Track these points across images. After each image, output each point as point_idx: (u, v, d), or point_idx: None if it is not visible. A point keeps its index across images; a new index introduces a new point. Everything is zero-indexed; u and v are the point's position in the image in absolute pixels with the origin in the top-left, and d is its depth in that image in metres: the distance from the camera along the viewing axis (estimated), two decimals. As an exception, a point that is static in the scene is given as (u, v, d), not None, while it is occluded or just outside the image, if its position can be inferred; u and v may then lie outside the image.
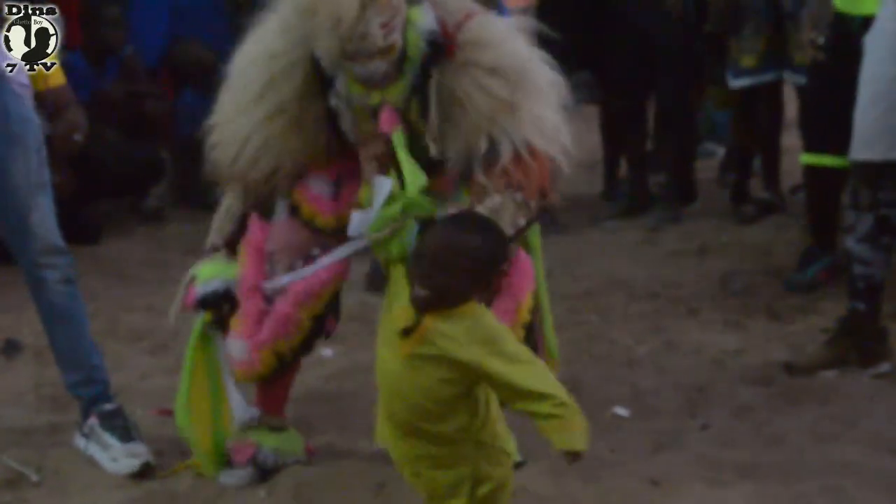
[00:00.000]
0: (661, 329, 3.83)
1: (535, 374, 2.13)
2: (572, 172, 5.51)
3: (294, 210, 2.77)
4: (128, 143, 5.17)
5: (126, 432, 2.96)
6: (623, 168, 5.58)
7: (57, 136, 4.44)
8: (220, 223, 2.88)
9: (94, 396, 3.01)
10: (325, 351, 3.68)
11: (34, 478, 2.87)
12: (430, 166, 2.60)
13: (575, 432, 2.11)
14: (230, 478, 2.80)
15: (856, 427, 3.06)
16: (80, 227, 4.91)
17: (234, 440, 2.83)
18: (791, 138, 5.13)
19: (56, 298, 2.95)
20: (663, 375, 3.46)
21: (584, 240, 4.91)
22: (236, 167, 2.72)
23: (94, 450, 2.95)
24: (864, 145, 3.31)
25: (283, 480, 2.75)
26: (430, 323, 2.15)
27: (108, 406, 3.00)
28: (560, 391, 2.12)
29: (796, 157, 4.69)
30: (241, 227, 2.83)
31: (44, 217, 2.92)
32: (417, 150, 2.61)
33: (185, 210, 5.50)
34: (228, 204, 2.87)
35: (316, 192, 2.76)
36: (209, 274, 2.82)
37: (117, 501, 2.74)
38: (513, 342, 2.17)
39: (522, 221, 2.65)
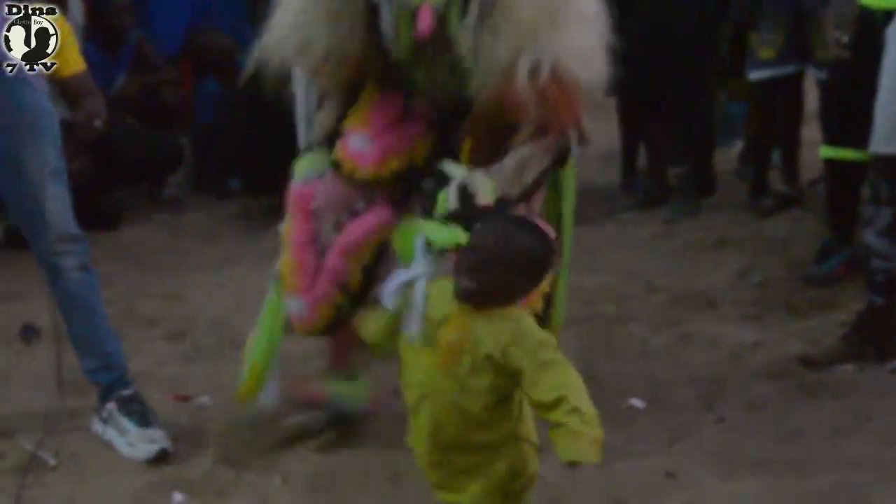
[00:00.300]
0: (677, 322, 3.82)
1: (558, 379, 2.10)
2: (589, 164, 5.55)
3: (336, 166, 2.81)
4: (146, 131, 5.19)
5: (144, 417, 2.97)
6: (641, 159, 5.56)
7: (78, 122, 4.47)
8: (319, 120, 2.91)
9: (111, 382, 3.02)
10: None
11: (51, 461, 2.89)
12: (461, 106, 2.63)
13: (582, 444, 2.08)
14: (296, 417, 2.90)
15: (872, 422, 3.05)
16: (98, 214, 4.94)
17: (309, 384, 2.92)
18: (810, 131, 5.10)
19: (72, 286, 2.96)
20: (679, 368, 3.46)
21: (600, 232, 4.89)
22: (288, 55, 2.75)
23: (111, 434, 2.97)
24: (885, 138, 3.29)
25: (298, 469, 2.76)
26: (475, 327, 2.13)
27: (126, 391, 3.02)
28: (577, 398, 2.09)
29: (815, 150, 4.69)
30: (339, 123, 2.85)
31: (58, 205, 2.93)
32: (451, 81, 2.63)
33: (203, 198, 5.52)
34: (326, 101, 2.90)
35: (355, 147, 2.79)
36: (306, 166, 2.86)
37: (134, 486, 2.75)
38: (553, 350, 2.14)
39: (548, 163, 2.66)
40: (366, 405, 2.94)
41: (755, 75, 4.79)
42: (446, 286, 2.18)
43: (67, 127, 4.51)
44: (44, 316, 3.87)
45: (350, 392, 2.92)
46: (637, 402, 3.18)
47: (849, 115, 3.76)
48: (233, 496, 2.70)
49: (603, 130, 6.61)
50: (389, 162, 2.78)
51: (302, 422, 2.91)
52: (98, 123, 4.49)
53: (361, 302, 2.78)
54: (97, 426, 3.02)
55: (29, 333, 3.72)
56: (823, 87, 4.03)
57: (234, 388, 3.30)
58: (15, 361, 3.55)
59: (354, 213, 2.81)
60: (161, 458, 2.89)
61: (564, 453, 2.08)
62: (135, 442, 2.92)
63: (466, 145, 2.70)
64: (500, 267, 2.13)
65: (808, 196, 5.03)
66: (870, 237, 3.38)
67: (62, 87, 4.57)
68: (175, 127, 5.46)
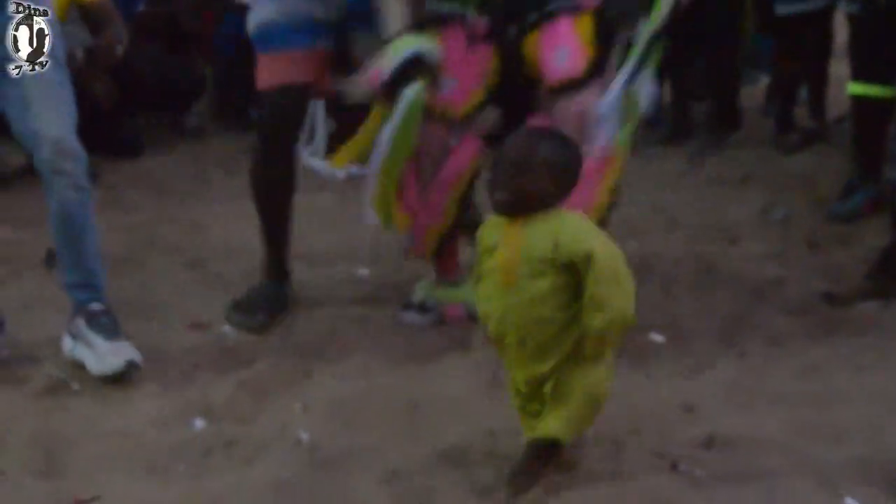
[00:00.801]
0: (700, 257, 3.81)
1: (616, 282, 2.26)
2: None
3: (429, 114, 3.06)
4: (169, 58, 5.16)
5: (112, 331, 2.95)
6: (666, 94, 5.51)
7: (99, 47, 4.46)
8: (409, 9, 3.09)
9: (87, 300, 3.01)
10: (362, 271, 3.69)
11: (75, 386, 2.91)
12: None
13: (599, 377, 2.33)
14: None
15: (893, 359, 3.03)
16: (121, 142, 4.94)
17: (441, 300, 3.34)
18: (837, 67, 5.04)
19: (64, 201, 2.91)
20: (701, 303, 3.45)
21: (625, 166, 4.86)
22: None
23: (81, 352, 2.96)
24: (915, 75, 3.25)
25: (319, 396, 2.77)
26: (523, 236, 2.28)
27: (95, 305, 3.00)
28: (624, 317, 2.27)
29: (841, 86, 4.63)
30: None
31: (56, 116, 2.88)
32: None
33: (224, 128, 5.51)
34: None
35: (445, 91, 3.10)
36: (402, 46, 2.99)
37: (156, 411, 2.77)
38: (596, 237, 2.28)
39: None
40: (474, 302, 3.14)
41: (783, 9, 4.72)
42: (492, 221, 2.36)
43: (89, 52, 4.51)
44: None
45: (461, 295, 3.30)
46: (657, 337, 3.17)
47: (879, 50, 3.71)
48: (253, 423, 2.71)
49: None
50: (472, 97, 3.14)
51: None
52: (119, 49, 4.47)
53: (459, 225, 3.25)
54: (67, 343, 3.00)
55: (53, 260, 3.73)
56: (854, 21, 3.96)
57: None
58: (39, 287, 3.57)
59: (449, 151, 3.15)
60: (129, 372, 2.89)
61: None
62: (103, 355, 2.91)
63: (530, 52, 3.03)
64: (528, 174, 2.27)
65: (834, 132, 4.98)
66: (894, 173, 3.35)
67: (83, 13, 4.55)
68: (197, 56, 5.43)
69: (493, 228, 2.36)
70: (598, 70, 3.00)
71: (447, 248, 3.34)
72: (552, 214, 2.31)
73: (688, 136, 5.15)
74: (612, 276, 2.25)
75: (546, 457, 2.38)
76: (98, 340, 2.94)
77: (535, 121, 2.95)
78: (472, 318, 3.09)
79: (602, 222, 2.92)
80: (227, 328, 3.27)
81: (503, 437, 2.56)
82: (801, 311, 3.34)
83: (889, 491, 2.41)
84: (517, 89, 3.10)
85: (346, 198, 4.49)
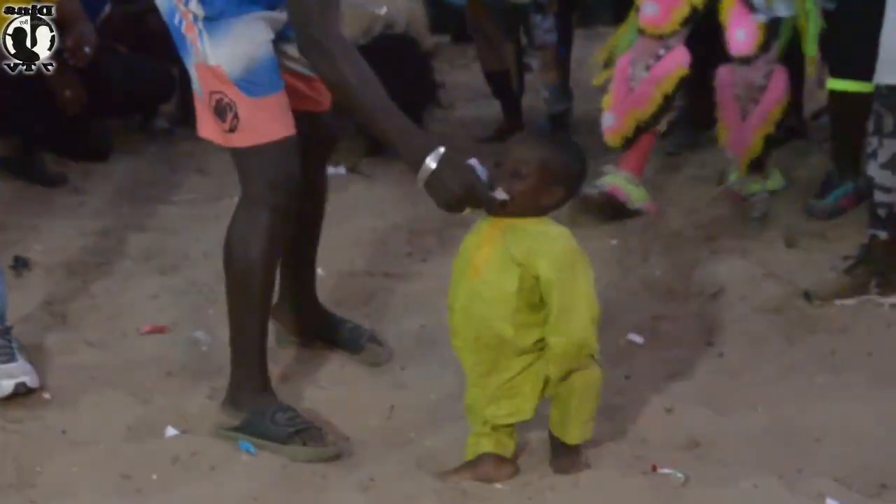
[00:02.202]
0: (677, 255, 3.79)
1: (574, 308, 2.26)
2: (591, 95, 5.50)
3: (642, 31, 3.95)
4: (137, 59, 5.10)
5: (8, 353, 2.87)
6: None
7: (67, 48, 4.40)
8: None
9: None
10: (336, 276, 3.65)
11: (46, 395, 2.86)
12: None
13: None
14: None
15: (872, 357, 3.03)
16: (90, 145, 4.88)
17: (611, 182, 4.03)
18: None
19: None
20: (679, 303, 3.43)
21: (602, 162, 4.84)
22: None
23: None
24: (891, 69, 3.23)
25: (295, 404, 2.73)
26: (505, 235, 2.29)
27: None
28: (580, 343, 2.28)
29: (812, 82, 4.62)
30: None
31: None
32: None
33: (194, 130, 5.44)
34: None
35: (647, 13, 3.93)
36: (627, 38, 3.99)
37: (128, 420, 2.73)
38: (571, 267, 2.28)
39: None
40: (643, 205, 4.06)
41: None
42: (480, 225, 2.38)
43: (57, 53, 4.44)
44: (35, 247, 3.86)
45: (635, 192, 4.05)
46: (636, 338, 3.15)
47: (855, 46, 3.70)
48: (227, 430, 2.67)
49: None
50: (675, 14, 3.88)
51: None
52: (88, 49, 4.41)
53: (654, 123, 4.01)
54: None
55: (20, 265, 3.68)
56: (830, 16, 3.95)
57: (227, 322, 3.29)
58: (6, 293, 3.50)
59: (658, 58, 3.94)
60: (22, 393, 2.81)
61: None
62: None
63: None
64: (526, 178, 2.28)
65: (812, 128, 4.97)
66: (873, 170, 3.33)
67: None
68: (165, 56, 5.37)
69: (478, 232, 2.37)
70: (765, 49, 3.92)
71: (639, 142, 4.04)
72: (540, 222, 2.32)
73: (665, 134, 5.12)
74: (569, 305, 2.27)
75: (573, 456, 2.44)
76: None
77: (723, 70, 3.98)
78: (626, 203, 4.02)
79: (759, 162, 4.05)
80: (199, 334, 3.21)
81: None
82: (781, 309, 3.33)
83: (870, 492, 2.40)
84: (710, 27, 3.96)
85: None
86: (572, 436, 2.41)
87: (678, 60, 3.95)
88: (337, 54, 2.42)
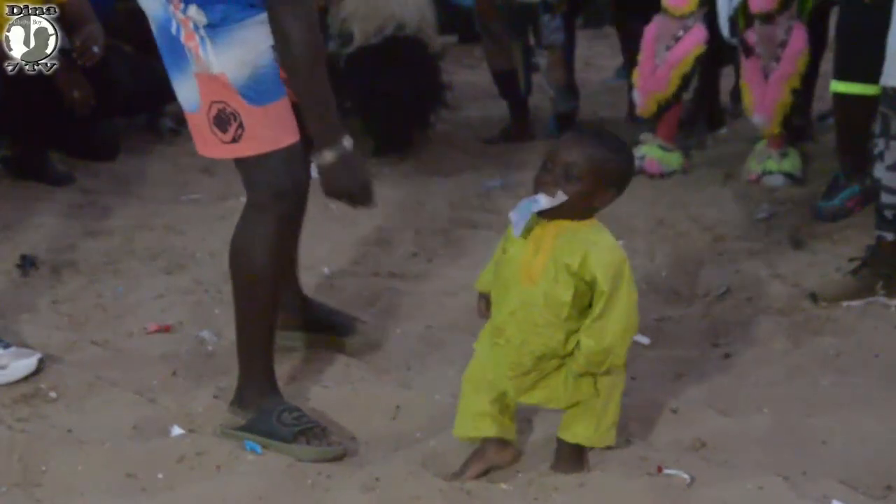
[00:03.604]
0: (684, 256, 3.79)
1: (612, 317, 2.25)
2: (595, 95, 5.50)
3: (665, 11, 4.36)
4: (144, 59, 5.10)
5: (1, 340, 2.90)
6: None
7: (76, 48, 4.40)
8: None
9: None
10: (342, 277, 3.65)
11: (52, 394, 2.86)
12: None
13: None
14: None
15: (878, 359, 3.02)
16: (97, 145, 4.89)
17: (647, 154, 4.53)
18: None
19: None
20: (685, 303, 3.43)
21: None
22: None
23: None
24: (897, 71, 3.23)
25: (300, 404, 2.73)
26: (555, 240, 2.26)
27: None
28: (608, 350, 2.27)
29: (823, 83, 4.61)
30: None
31: None
32: None
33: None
34: None
35: None
36: None
37: (133, 419, 2.73)
38: (629, 284, 2.28)
39: None
40: (676, 168, 4.56)
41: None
42: (531, 230, 2.32)
43: (66, 54, 4.45)
44: (42, 246, 3.86)
45: (666, 157, 4.54)
46: (642, 338, 3.15)
47: (860, 48, 3.69)
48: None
49: (608, 61, 6.56)
50: None
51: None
52: (96, 49, 4.41)
53: (675, 101, 4.48)
54: None
55: (26, 264, 3.69)
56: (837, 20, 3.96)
57: (233, 322, 3.30)
58: (12, 292, 3.52)
59: (677, 39, 4.33)
60: (40, 370, 2.86)
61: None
62: (6, 363, 2.85)
63: None
64: (576, 180, 2.24)
65: (819, 129, 4.96)
66: (879, 172, 3.32)
67: (60, 14, 4.47)
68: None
69: (530, 233, 2.33)
70: (786, 6, 4.21)
71: (667, 116, 4.53)
72: (589, 225, 2.30)
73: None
74: (609, 312, 2.26)
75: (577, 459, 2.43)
76: None
77: (748, 33, 4.26)
78: (663, 175, 4.49)
79: (785, 121, 4.32)
80: (205, 333, 3.22)
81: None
82: (787, 311, 3.32)
83: (876, 493, 2.39)
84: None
85: (325, 199, 4.46)
86: (587, 437, 2.40)
87: (695, 40, 4.33)
88: (305, 15, 2.43)
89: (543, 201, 2.25)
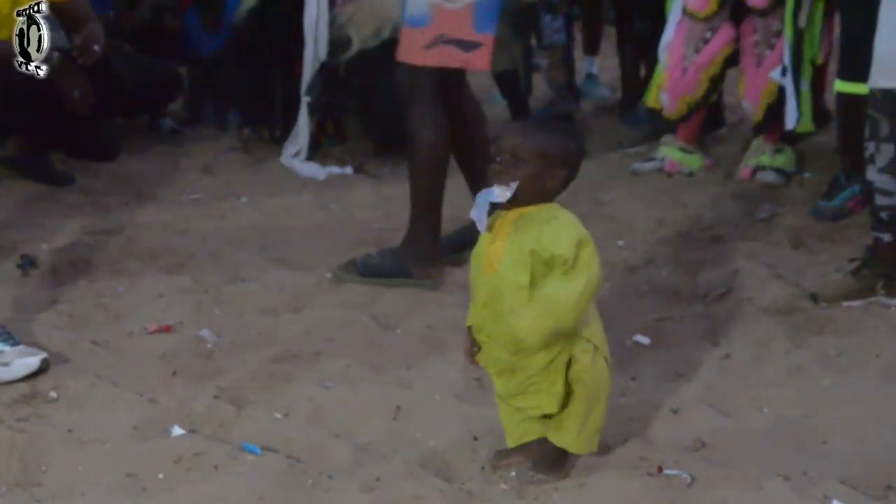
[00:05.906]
0: (684, 256, 3.79)
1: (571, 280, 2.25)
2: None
3: (684, 11, 4.46)
4: (146, 59, 5.11)
5: (12, 338, 2.91)
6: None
7: (76, 47, 4.39)
8: None
9: None
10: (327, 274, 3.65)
11: (52, 394, 2.86)
12: None
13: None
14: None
15: (879, 359, 3.02)
16: (97, 145, 4.89)
17: (667, 155, 4.67)
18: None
19: None
20: (685, 304, 3.43)
21: (606, 164, 4.85)
22: None
23: None
24: (885, 73, 3.22)
25: (299, 403, 2.74)
26: (515, 228, 2.29)
27: None
28: (528, 328, 2.26)
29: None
30: None
31: None
32: None
33: (201, 130, 5.46)
34: None
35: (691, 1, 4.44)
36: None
37: (134, 419, 2.73)
38: (588, 253, 2.27)
39: None
40: (696, 169, 4.65)
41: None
42: (492, 220, 2.35)
43: (66, 54, 4.45)
44: (42, 246, 3.86)
45: (686, 159, 4.65)
46: (642, 339, 3.15)
47: (862, 49, 3.69)
48: (233, 430, 2.67)
49: (605, 62, 6.55)
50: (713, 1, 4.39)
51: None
52: (97, 48, 4.41)
53: (703, 103, 4.57)
54: None
55: (26, 264, 3.69)
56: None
57: (234, 321, 3.30)
58: (12, 292, 3.51)
59: (706, 41, 4.42)
60: (43, 370, 2.86)
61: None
62: (10, 360, 2.85)
63: None
64: (525, 164, 2.28)
65: (820, 130, 4.96)
66: (872, 174, 3.32)
67: (59, 13, 4.47)
68: (173, 56, 5.38)
69: (491, 224, 2.36)
70: (780, 2, 4.31)
71: (692, 118, 4.59)
72: (547, 208, 2.31)
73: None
74: (571, 283, 2.25)
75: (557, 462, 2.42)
76: (1, 347, 2.87)
77: (745, 23, 4.43)
78: (688, 175, 4.60)
79: (770, 109, 4.37)
80: (205, 333, 3.22)
81: (486, 443, 2.53)
82: (787, 311, 3.32)
83: (876, 493, 2.39)
84: None
85: (325, 199, 4.46)
86: (569, 442, 2.39)
87: (724, 40, 4.44)
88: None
89: (497, 191, 2.29)
